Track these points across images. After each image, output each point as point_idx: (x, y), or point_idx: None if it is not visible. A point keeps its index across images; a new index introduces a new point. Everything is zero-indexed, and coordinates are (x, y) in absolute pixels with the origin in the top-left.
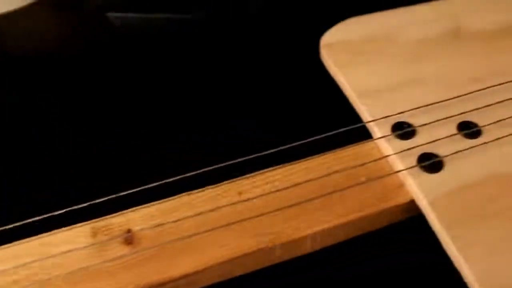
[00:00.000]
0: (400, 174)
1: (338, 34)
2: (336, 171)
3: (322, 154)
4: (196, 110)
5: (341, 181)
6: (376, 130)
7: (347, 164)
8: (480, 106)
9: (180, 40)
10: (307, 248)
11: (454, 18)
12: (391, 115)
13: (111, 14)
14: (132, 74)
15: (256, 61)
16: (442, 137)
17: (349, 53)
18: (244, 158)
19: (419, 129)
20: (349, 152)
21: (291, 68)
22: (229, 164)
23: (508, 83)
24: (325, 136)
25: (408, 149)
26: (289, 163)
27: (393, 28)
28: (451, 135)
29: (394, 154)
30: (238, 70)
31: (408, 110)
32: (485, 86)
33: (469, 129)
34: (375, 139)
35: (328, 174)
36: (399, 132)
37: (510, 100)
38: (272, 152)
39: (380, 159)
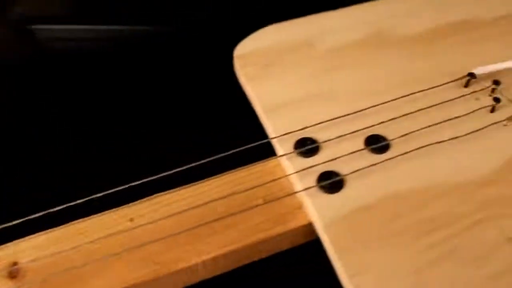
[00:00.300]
0: (299, 194)
1: (253, 43)
2: (234, 193)
3: (222, 174)
4: None
5: (238, 204)
6: (278, 147)
7: (247, 185)
8: (391, 117)
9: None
10: (200, 275)
11: (375, 24)
12: (294, 131)
13: (36, 27)
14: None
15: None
16: (347, 153)
17: (261, 64)
18: (136, 183)
19: (323, 145)
20: (252, 171)
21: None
22: (121, 189)
23: (422, 92)
24: (234, 152)
25: (308, 167)
26: (184, 186)
27: (311, 36)
28: (357, 151)
29: (294, 173)
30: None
31: (312, 125)
32: (399, 96)
33: (376, 144)
34: (278, 157)
35: (225, 196)
36: (301, 149)
37: (422, 111)
38: (180, 171)
39: (280, 178)
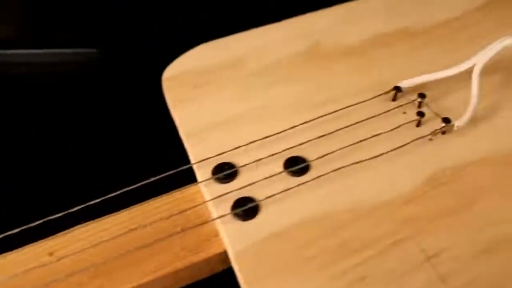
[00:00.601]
0: (216, 222)
1: (182, 64)
2: (155, 221)
3: (143, 202)
4: None
5: (158, 232)
6: (198, 173)
7: (167, 212)
8: (313, 137)
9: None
10: None
11: (310, 37)
12: (212, 157)
13: None
14: None
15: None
16: (264, 177)
17: (189, 86)
18: (56, 216)
19: (242, 170)
20: (173, 198)
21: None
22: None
23: (350, 108)
24: (164, 178)
25: (224, 194)
26: (104, 217)
27: (243, 53)
28: (275, 174)
29: (210, 200)
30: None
31: (232, 149)
32: (325, 113)
33: (296, 166)
34: (199, 183)
35: (146, 225)
36: (219, 175)
37: (347, 129)
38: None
39: (199, 205)
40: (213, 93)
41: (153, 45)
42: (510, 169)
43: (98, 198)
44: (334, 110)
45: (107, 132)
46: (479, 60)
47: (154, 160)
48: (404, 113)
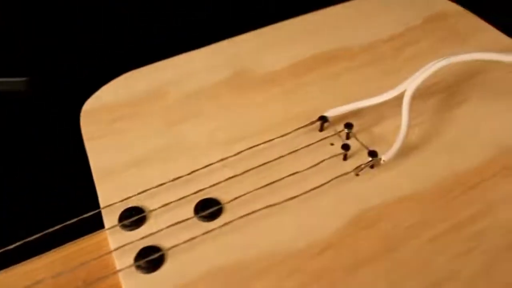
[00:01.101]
0: (119, 274)
1: (102, 97)
2: (54, 275)
3: (48, 252)
4: None
5: (60, 286)
6: (105, 219)
7: (69, 264)
8: (229, 176)
9: None
10: None
11: (234, 63)
12: (119, 201)
13: None
14: None
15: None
16: (173, 223)
17: (105, 121)
18: None
19: (150, 215)
20: (77, 247)
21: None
22: None
23: (272, 141)
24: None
25: (128, 243)
26: (13, 267)
27: (165, 83)
28: (185, 220)
29: (114, 250)
30: None
31: (140, 193)
32: (243, 149)
33: (207, 210)
34: (106, 230)
35: (38, 282)
36: (125, 221)
37: (266, 166)
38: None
39: (104, 255)
40: (127, 129)
41: (88, 74)
42: (439, 205)
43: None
44: (253, 145)
45: (23, 166)
46: (410, 85)
47: (70, 201)
48: (332, 144)
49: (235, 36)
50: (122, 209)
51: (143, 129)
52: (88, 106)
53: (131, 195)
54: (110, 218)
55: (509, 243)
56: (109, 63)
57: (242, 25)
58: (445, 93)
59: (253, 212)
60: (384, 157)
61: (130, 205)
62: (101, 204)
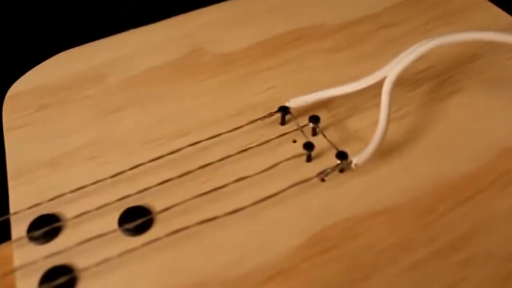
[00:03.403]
0: None
1: (31, 79)
2: None
3: None
4: None
5: None
6: (13, 229)
7: None
8: (160, 181)
9: None
10: None
11: (186, 43)
12: (31, 206)
13: None
14: None
15: None
16: (92, 237)
17: (29, 108)
18: None
19: (67, 226)
20: None
21: None
22: None
23: (222, 135)
24: None
25: (33, 261)
26: None
27: (104, 64)
28: (106, 233)
29: (19, 268)
30: None
31: (55, 198)
32: (180, 147)
33: (134, 221)
34: (13, 241)
35: None
36: (34, 232)
37: (210, 166)
38: None
39: (8, 274)
40: (53, 119)
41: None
42: (423, 223)
43: None
44: (196, 141)
45: None
46: (391, 71)
47: None
48: (294, 142)
49: (189, 11)
50: (33, 217)
51: (71, 119)
52: (13, 91)
53: (46, 199)
54: (19, 228)
55: (508, 272)
56: (43, 44)
57: None
58: (434, 81)
59: (187, 227)
60: (355, 159)
61: (43, 213)
62: (11, 210)
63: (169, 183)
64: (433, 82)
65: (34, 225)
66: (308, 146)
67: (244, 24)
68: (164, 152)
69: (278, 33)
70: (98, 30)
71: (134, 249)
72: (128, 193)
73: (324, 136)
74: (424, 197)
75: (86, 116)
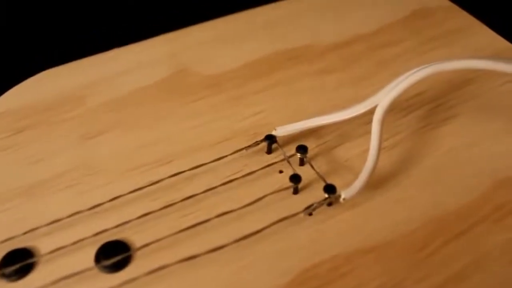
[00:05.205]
0: None
1: (9, 101)
2: None
3: None
4: None
5: None
6: None
7: None
8: (140, 214)
9: None
10: None
11: (170, 64)
12: (4, 240)
13: None
14: None
15: None
16: (66, 275)
17: (6, 131)
18: None
19: (41, 261)
20: None
21: None
22: None
23: (206, 165)
24: None
25: None
26: None
27: (85, 85)
28: (82, 271)
29: None
30: None
31: (30, 231)
32: (161, 178)
33: (112, 257)
34: None
35: None
36: (6, 269)
37: (185, 203)
38: None
39: None
40: (29, 144)
41: None
42: (415, 261)
43: None
44: (179, 171)
45: None
46: (383, 100)
47: None
48: (281, 172)
49: (176, 30)
50: (5, 252)
51: (49, 144)
52: None
53: (20, 232)
54: None
55: None
56: (22, 63)
57: (187, 16)
58: (426, 107)
59: (167, 265)
60: (344, 194)
61: (16, 247)
62: None
63: (150, 216)
64: (425, 108)
65: (6, 261)
66: (295, 178)
67: (232, 44)
68: (146, 181)
69: (267, 54)
70: (81, 48)
71: None
72: (107, 226)
73: (312, 166)
74: (416, 232)
75: (65, 140)
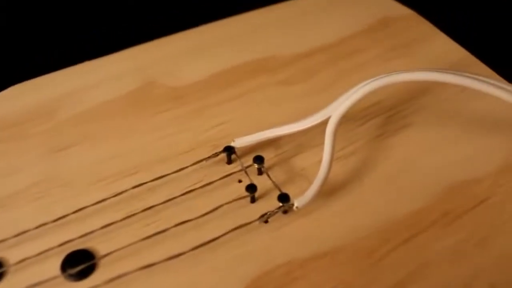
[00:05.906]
0: None
1: None
2: None
3: None
4: None
5: None
6: None
7: None
8: (104, 224)
9: None
10: None
11: (140, 76)
12: None
13: None
14: None
15: None
16: (37, 282)
17: None
18: None
19: (11, 271)
20: None
21: None
22: None
23: (168, 176)
24: None
25: None
26: None
27: (55, 99)
28: (49, 279)
29: None
30: None
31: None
32: (125, 189)
33: (77, 266)
34: None
35: None
36: None
37: (147, 212)
38: None
39: None
40: (2, 158)
41: None
42: (364, 267)
43: None
44: (142, 182)
45: None
46: (335, 112)
47: None
48: (240, 181)
49: (144, 42)
50: None
51: (17, 158)
52: None
53: None
54: None
55: None
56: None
57: (155, 29)
58: (383, 116)
59: (128, 273)
60: (297, 202)
61: None
62: None
63: (113, 225)
64: (383, 116)
65: None
66: (251, 188)
67: (198, 56)
68: (111, 192)
69: (232, 66)
70: (49, 62)
71: None
72: (72, 236)
73: (269, 176)
74: (367, 238)
75: (34, 154)
